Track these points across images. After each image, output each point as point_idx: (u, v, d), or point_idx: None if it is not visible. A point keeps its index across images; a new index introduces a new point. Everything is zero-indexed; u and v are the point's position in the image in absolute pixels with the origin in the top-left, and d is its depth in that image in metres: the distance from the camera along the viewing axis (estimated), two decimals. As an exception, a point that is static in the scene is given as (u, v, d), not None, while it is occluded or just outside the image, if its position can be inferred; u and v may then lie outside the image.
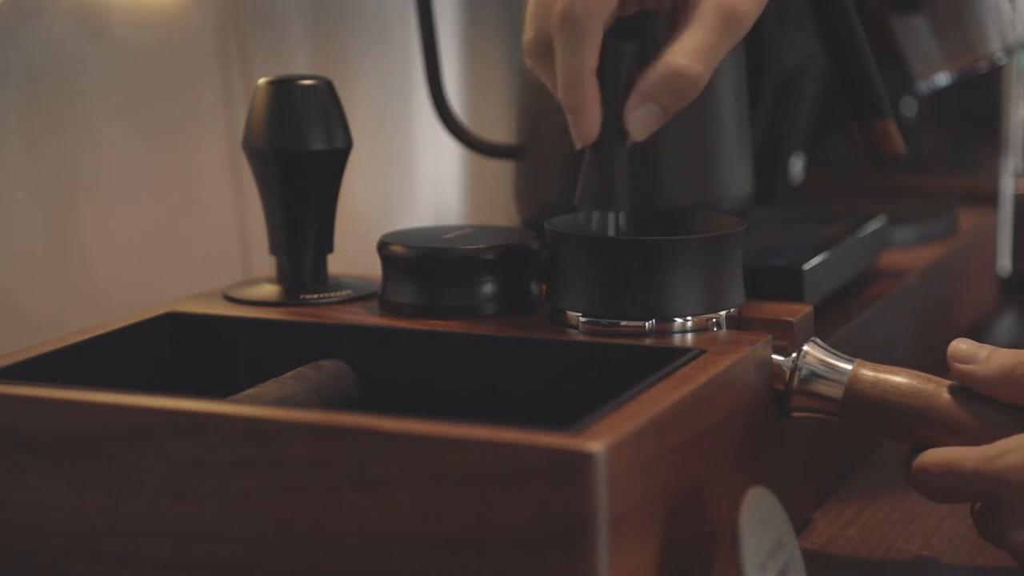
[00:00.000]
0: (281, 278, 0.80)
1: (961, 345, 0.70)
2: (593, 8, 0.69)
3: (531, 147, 0.90)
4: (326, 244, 0.80)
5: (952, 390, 0.70)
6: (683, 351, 0.68)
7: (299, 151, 0.78)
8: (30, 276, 0.88)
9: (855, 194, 1.16)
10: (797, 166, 1.15)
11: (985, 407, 0.69)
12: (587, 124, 0.70)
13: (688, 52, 0.69)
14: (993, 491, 0.65)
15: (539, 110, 0.89)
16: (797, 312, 0.74)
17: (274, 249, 0.80)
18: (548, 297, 0.74)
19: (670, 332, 0.71)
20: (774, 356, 0.71)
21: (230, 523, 0.60)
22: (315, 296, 0.79)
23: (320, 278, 0.80)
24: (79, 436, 0.62)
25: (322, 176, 0.79)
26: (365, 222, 0.97)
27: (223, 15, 1.01)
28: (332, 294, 0.79)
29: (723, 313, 0.72)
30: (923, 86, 1.02)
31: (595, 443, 0.55)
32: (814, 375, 0.71)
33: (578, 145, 0.71)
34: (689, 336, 0.71)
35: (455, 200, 1.26)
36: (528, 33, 0.72)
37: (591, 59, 0.69)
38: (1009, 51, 1.01)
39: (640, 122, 0.70)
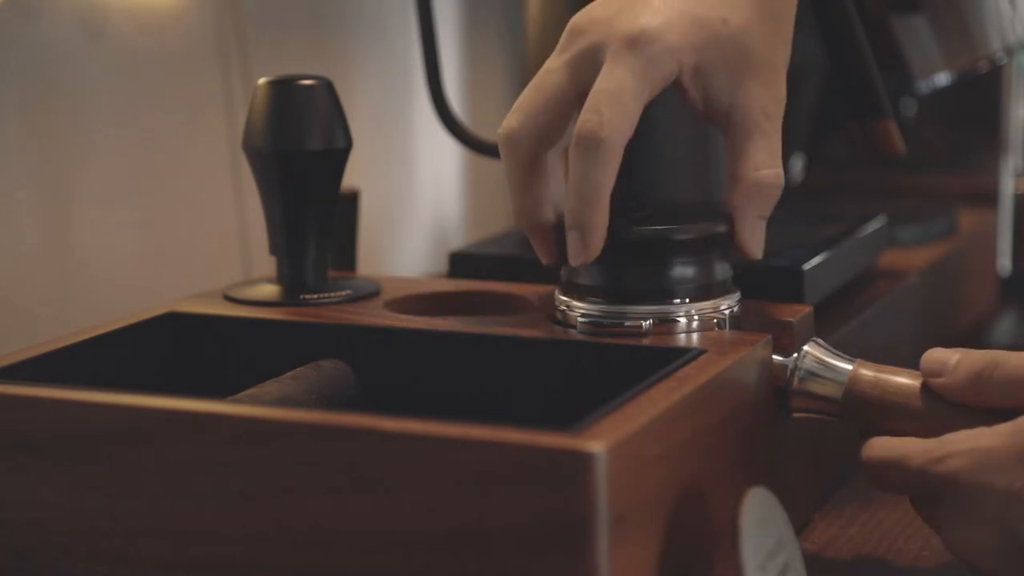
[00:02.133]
0: (281, 278, 0.80)
1: (932, 355, 0.69)
2: (621, 130, 0.68)
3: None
4: (326, 244, 0.80)
5: None
6: (683, 351, 0.68)
7: (299, 151, 0.78)
8: (30, 276, 0.88)
9: (855, 194, 1.16)
10: (797, 166, 1.15)
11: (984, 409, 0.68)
12: (594, 243, 0.69)
13: (771, 162, 0.72)
14: (936, 490, 0.65)
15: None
16: (797, 312, 0.74)
17: (274, 249, 0.80)
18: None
19: (671, 332, 0.71)
20: (774, 356, 0.71)
21: (230, 523, 0.60)
22: (315, 296, 0.79)
23: (320, 278, 0.80)
24: (79, 436, 0.62)
25: (322, 176, 0.79)
26: (365, 222, 0.97)
27: (223, 15, 1.01)
28: (332, 294, 0.79)
29: (725, 311, 0.72)
30: (923, 86, 1.02)
31: (595, 443, 0.55)
32: (814, 375, 0.71)
33: (575, 262, 0.70)
34: (690, 336, 0.71)
35: (455, 200, 1.26)
36: (516, 120, 0.71)
37: (610, 180, 0.68)
38: (1009, 51, 1.01)
39: (759, 240, 0.73)
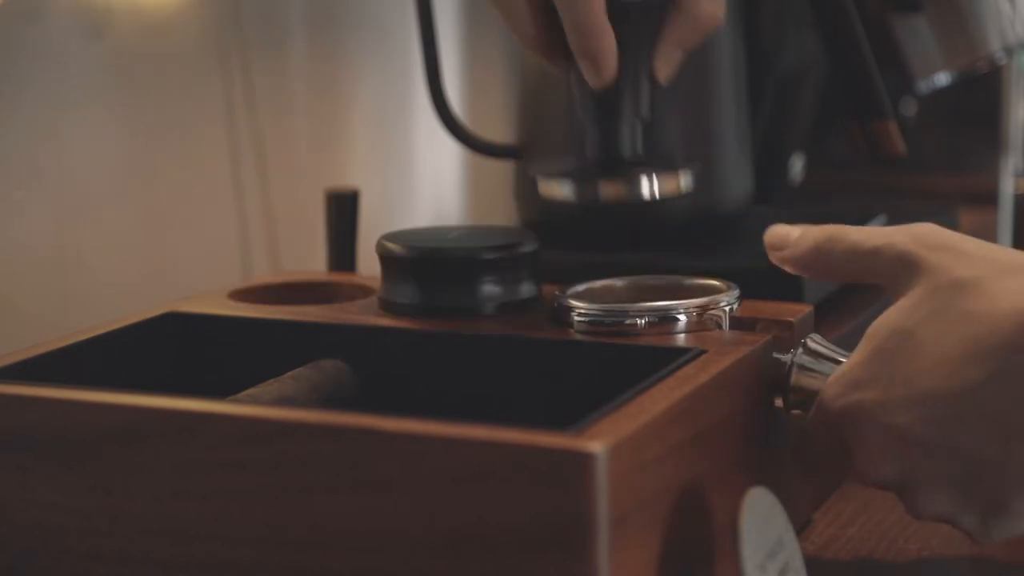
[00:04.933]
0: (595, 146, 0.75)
1: (775, 230, 0.71)
2: None
3: (531, 147, 0.90)
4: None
5: None
6: (683, 351, 0.68)
7: None
8: (30, 276, 0.88)
9: (855, 194, 1.15)
10: (797, 166, 1.15)
11: None
12: (608, 65, 0.70)
13: None
14: (836, 429, 0.67)
15: (539, 110, 0.89)
16: (797, 312, 0.74)
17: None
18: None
19: (669, 331, 0.71)
20: (774, 355, 0.71)
21: (230, 523, 0.60)
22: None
23: (636, 147, 0.74)
24: (79, 436, 0.62)
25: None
26: (365, 222, 0.97)
27: (223, 15, 1.01)
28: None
29: (725, 310, 0.72)
30: (923, 86, 1.02)
31: (595, 443, 0.55)
32: (806, 370, 0.71)
33: (596, 86, 0.71)
34: (690, 335, 0.71)
35: (455, 200, 1.26)
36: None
37: (601, 8, 0.69)
38: (1009, 51, 1.01)
39: (672, 69, 0.73)
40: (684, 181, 0.73)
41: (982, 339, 0.62)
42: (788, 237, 0.71)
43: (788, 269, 0.71)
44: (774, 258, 0.71)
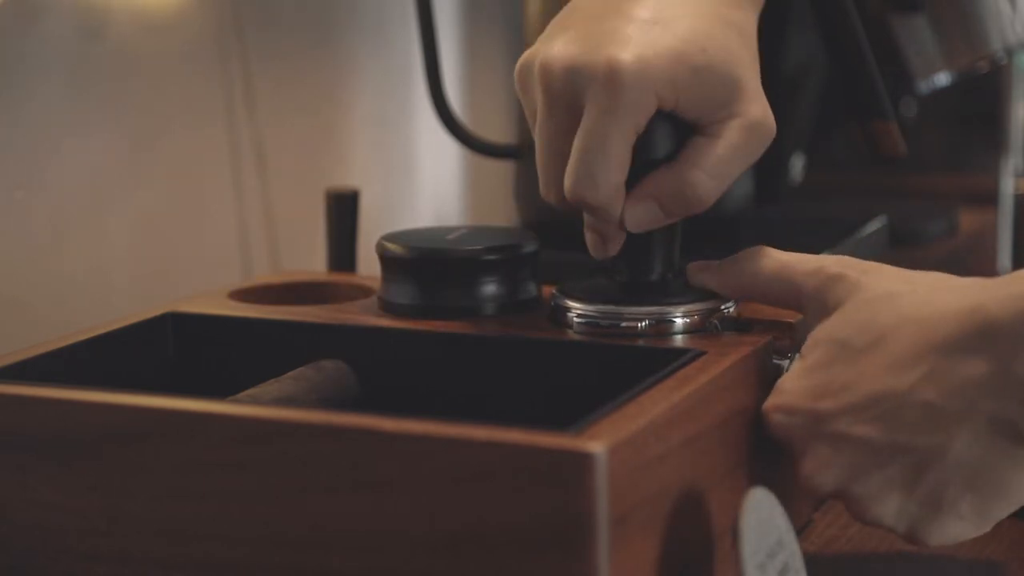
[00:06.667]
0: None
1: (693, 265, 0.73)
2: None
3: (531, 147, 0.90)
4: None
5: None
6: (683, 352, 0.68)
7: None
8: (30, 276, 0.88)
9: (855, 194, 1.16)
10: (797, 166, 1.15)
11: None
12: (615, 243, 0.72)
13: (706, 167, 0.69)
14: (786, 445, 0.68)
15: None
16: (796, 314, 0.74)
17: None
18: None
19: (667, 332, 0.71)
20: (774, 361, 0.71)
21: (230, 523, 0.60)
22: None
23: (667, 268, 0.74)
24: (79, 436, 0.62)
25: None
26: (365, 222, 0.97)
27: (223, 15, 1.01)
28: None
29: (723, 311, 0.72)
30: (923, 86, 1.02)
31: (595, 443, 0.55)
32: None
33: (595, 256, 0.72)
34: (688, 337, 0.71)
35: (455, 200, 1.26)
36: (550, 194, 0.72)
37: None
38: (1009, 51, 1.01)
39: (639, 217, 0.70)
40: (710, 316, 0.73)
41: (923, 338, 0.63)
42: (708, 264, 0.72)
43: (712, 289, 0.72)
44: (696, 282, 0.72)
